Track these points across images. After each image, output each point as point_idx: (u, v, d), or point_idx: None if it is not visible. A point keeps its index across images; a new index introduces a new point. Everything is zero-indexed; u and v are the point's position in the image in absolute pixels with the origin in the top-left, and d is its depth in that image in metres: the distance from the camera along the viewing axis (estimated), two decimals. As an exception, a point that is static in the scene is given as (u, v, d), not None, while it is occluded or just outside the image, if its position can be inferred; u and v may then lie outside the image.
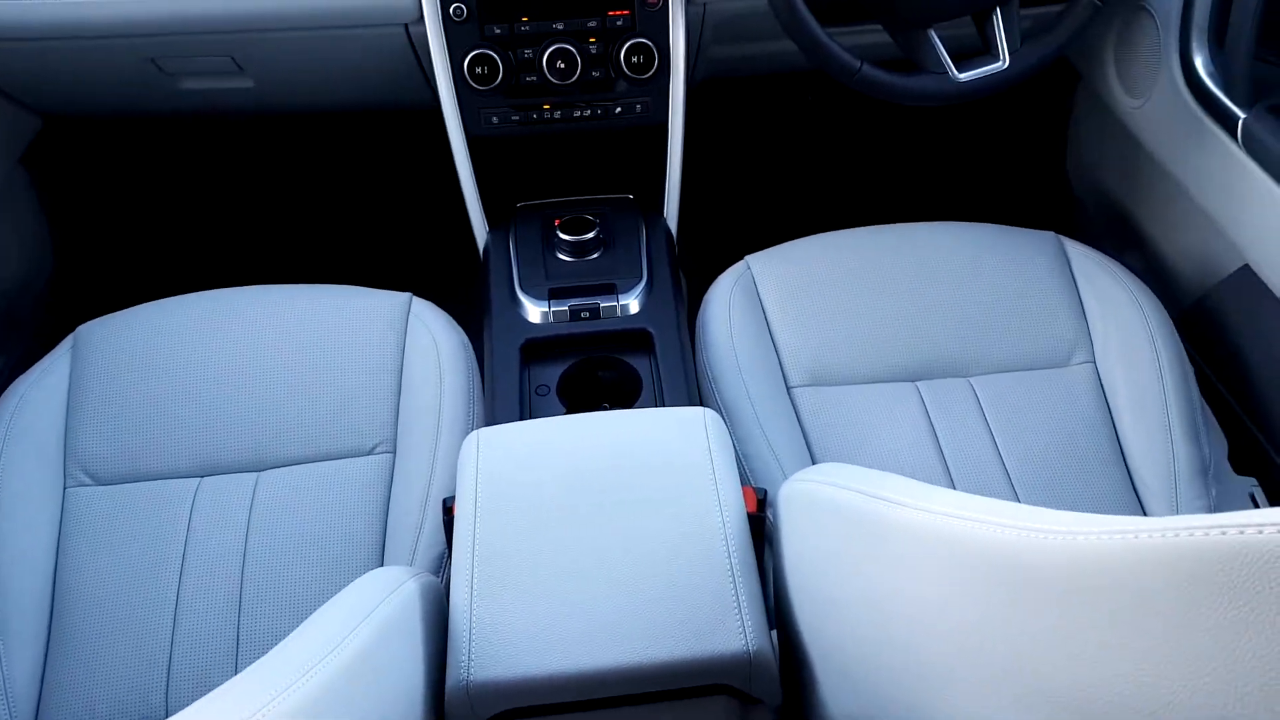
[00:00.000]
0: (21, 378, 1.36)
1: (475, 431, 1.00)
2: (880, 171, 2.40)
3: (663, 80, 1.60)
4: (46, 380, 1.34)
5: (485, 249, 1.73)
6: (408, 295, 1.41)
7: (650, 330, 1.42)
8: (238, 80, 1.64)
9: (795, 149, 2.44)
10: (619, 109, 1.62)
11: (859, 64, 1.29)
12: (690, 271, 1.74)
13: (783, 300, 1.43)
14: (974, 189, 2.33)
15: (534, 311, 1.50)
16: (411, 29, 1.53)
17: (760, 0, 1.57)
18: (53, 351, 1.38)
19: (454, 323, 1.43)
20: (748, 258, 1.50)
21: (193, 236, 2.31)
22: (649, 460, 0.92)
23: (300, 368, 1.31)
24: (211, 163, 2.43)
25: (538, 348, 1.43)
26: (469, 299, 1.61)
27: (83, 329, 1.37)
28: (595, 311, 1.47)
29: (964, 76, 1.30)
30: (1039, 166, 2.12)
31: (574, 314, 1.47)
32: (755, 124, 2.46)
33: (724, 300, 1.44)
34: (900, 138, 2.39)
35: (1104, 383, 1.34)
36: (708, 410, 1.01)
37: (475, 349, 1.43)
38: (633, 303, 1.49)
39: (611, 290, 1.50)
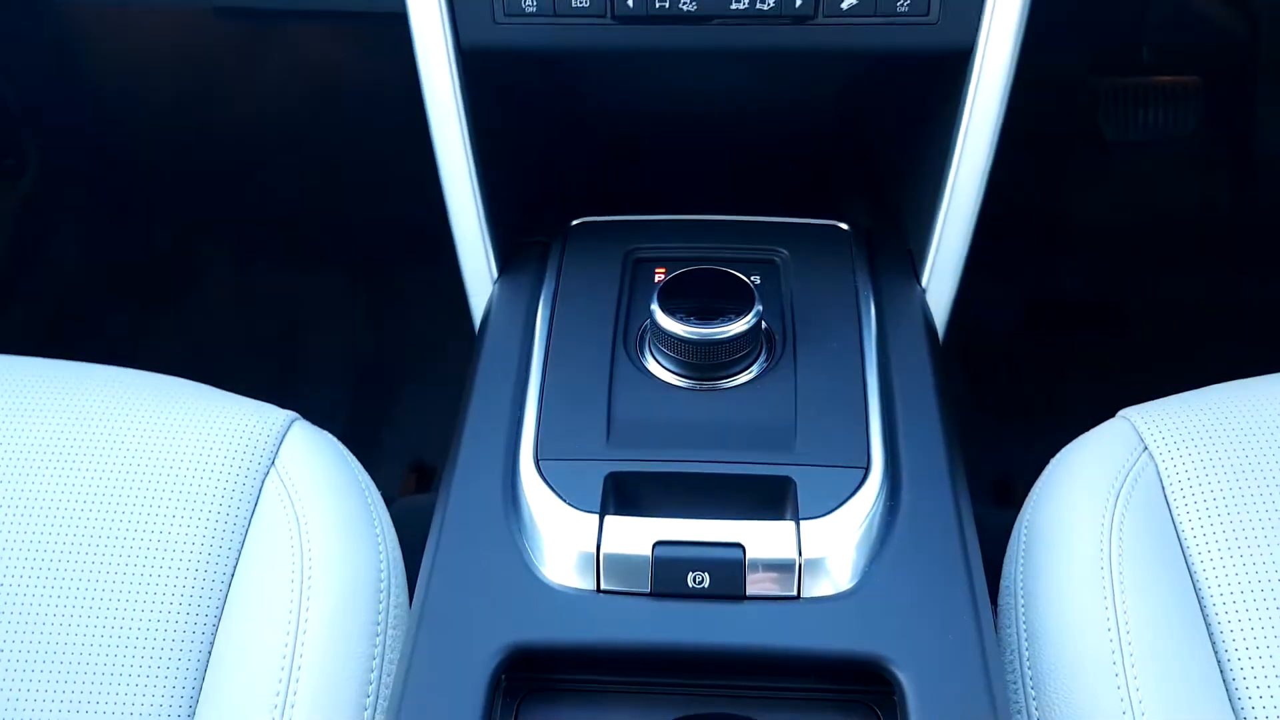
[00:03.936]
0: None
1: None
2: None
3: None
4: None
5: (486, 314, 0.77)
6: (285, 415, 0.77)
7: (894, 669, 0.57)
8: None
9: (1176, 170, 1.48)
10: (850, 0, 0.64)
11: None
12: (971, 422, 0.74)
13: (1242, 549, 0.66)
14: None
15: (562, 541, 0.60)
16: None
17: None
18: None
19: (361, 482, 0.74)
20: (1130, 416, 0.74)
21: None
22: None
23: (58, 564, 0.71)
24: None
25: (549, 663, 0.59)
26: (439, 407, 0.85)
27: None
28: (734, 577, 0.58)
29: None
30: None
31: (667, 573, 0.58)
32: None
33: (1095, 542, 0.67)
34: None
35: None
36: None
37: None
38: (841, 552, 0.60)
39: (779, 498, 0.62)
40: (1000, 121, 0.70)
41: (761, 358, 0.68)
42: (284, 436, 0.73)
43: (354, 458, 0.73)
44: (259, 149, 1.54)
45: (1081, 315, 1.40)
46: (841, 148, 0.87)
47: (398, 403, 1.40)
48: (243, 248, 1.60)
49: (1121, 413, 0.73)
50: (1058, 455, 0.72)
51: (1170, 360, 1.34)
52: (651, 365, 0.68)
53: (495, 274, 0.78)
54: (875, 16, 0.64)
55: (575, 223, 0.80)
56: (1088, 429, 0.76)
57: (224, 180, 1.58)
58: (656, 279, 0.74)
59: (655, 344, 0.68)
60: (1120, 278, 1.45)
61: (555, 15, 0.65)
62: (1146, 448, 0.70)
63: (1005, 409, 1.26)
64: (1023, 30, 0.68)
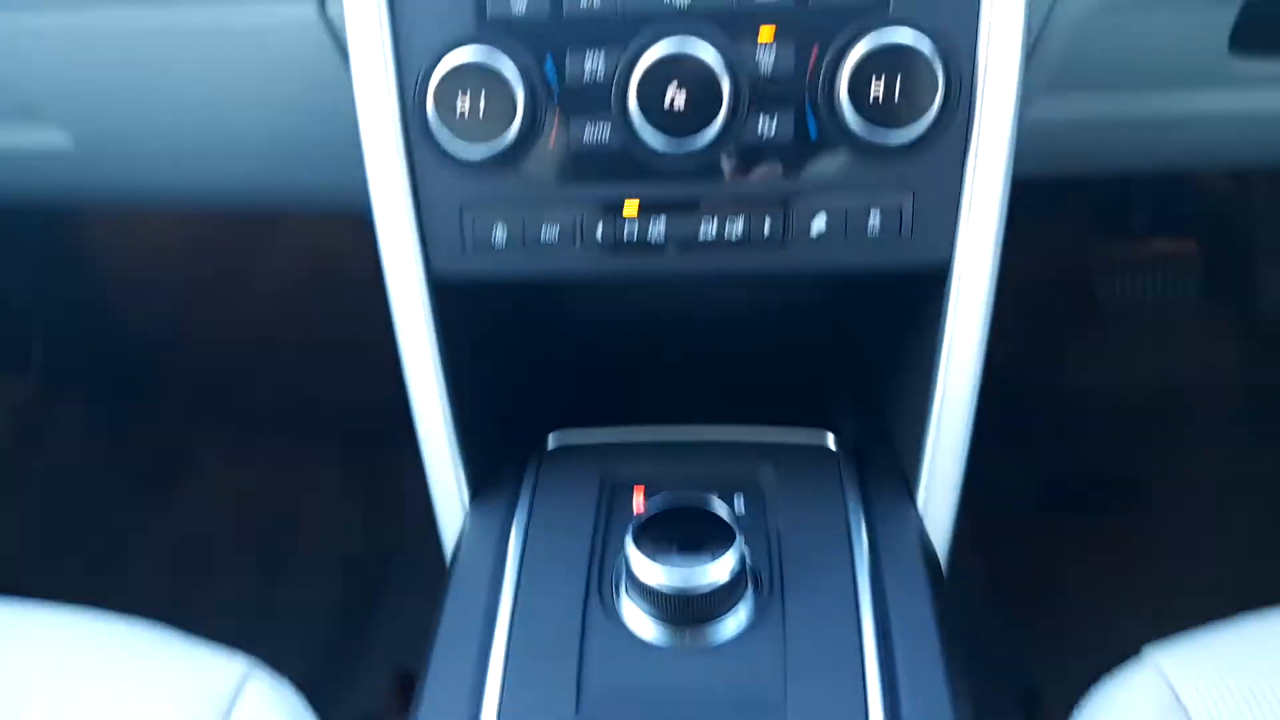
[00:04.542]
0: None
1: None
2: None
3: (949, 149, 0.61)
4: None
5: (456, 551, 0.72)
6: (241, 669, 0.70)
7: None
8: (36, 133, 0.91)
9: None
10: (819, 224, 0.62)
11: None
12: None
13: None
14: None
15: None
16: (329, 6, 0.72)
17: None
18: None
19: None
20: (1159, 663, 0.67)
21: None
22: None
23: None
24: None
25: None
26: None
27: None
28: None
29: None
30: None
31: None
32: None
33: None
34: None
35: None
36: None
37: None
38: None
39: None
40: (986, 336, 0.67)
41: (748, 600, 0.62)
42: (239, 695, 0.68)
43: (311, 714, 0.68)
44: (255, 341, 1.54)
45: (1096, 492, 1.35)
46: (825, 360, 0.84)
47: (384, 605, 1.34)
48: (234, 443, 1.58)
49: (1148, 655, 0.66)
50: (1082, 708, 0.65)
51: (1189, 536, 1.28)
52: (627, 610, 0.62)
53: (466, 502, 0.74)
54: (847, 238, 0.62)
55: (551, 446, 0.76)
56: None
57: (222, 370, 1.58)
58: (635, 499, 0.70)
59: (635, 581, 0.63)
60: (1133, 451, 1.40)
61: (524, 247, 0.64)
62: (1178, 698, 0.63)
63: (1026, 598, 1.20)
64: (1001, 242, 0.65)
